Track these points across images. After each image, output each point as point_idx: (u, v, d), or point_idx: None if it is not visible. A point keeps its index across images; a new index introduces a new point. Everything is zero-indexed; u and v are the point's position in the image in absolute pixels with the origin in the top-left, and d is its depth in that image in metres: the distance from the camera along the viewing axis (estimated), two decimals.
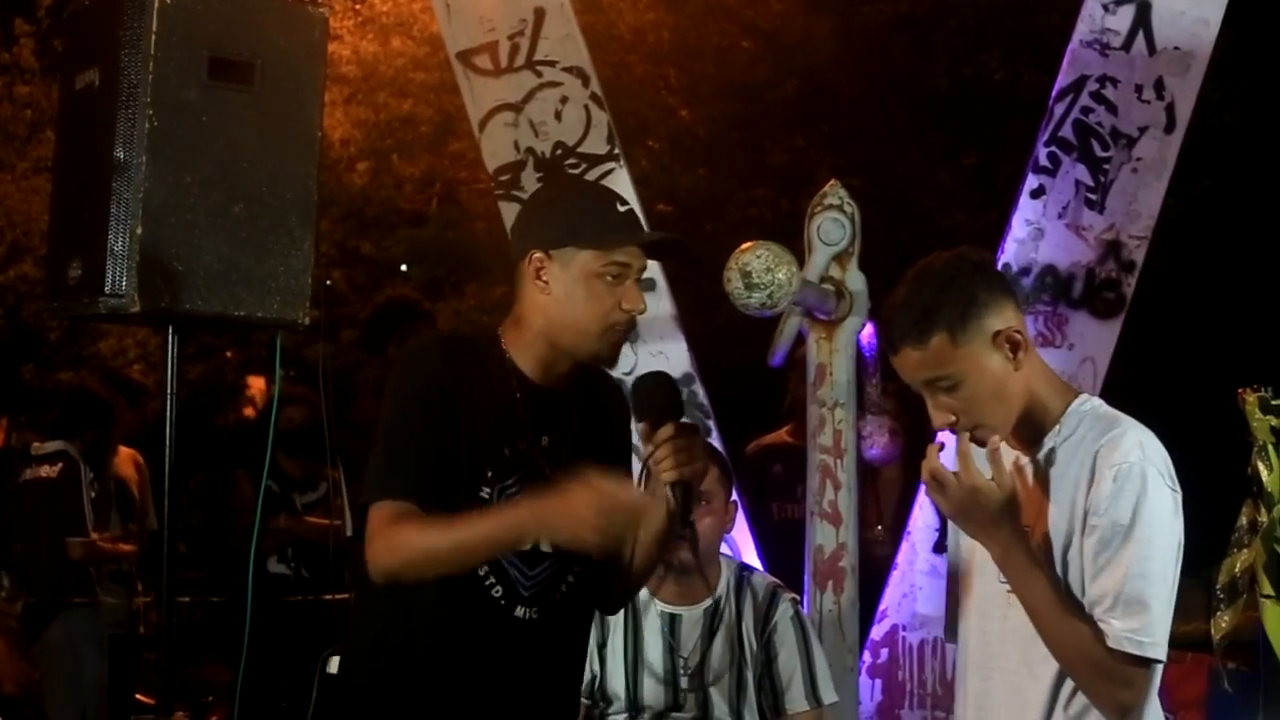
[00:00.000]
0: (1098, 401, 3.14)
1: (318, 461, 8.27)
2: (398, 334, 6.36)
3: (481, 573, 3.23)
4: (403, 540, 3.13)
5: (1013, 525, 3.02)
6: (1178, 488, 3.03)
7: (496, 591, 3.24)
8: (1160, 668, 3.01)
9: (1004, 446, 3.09)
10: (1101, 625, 2.95)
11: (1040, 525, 3.07)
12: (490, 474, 3.23)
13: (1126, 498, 2.96)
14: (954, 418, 3.07)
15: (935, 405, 3.09)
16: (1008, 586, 3.09)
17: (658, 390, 3.34)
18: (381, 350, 6.41)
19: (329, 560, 6.42)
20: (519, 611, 3.27)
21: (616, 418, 3.51)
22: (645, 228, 3.54)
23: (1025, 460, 3.14)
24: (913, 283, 3.08)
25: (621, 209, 3.31)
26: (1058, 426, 3.10)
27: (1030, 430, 3.11)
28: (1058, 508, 3.06)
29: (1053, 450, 3.09)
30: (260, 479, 5.49)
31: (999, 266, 6.02)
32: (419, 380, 3.23)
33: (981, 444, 3.05)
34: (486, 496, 3.22)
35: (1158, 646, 2.96)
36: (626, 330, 3.33)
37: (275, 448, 8.18)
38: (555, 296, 3.26)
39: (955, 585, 3.33)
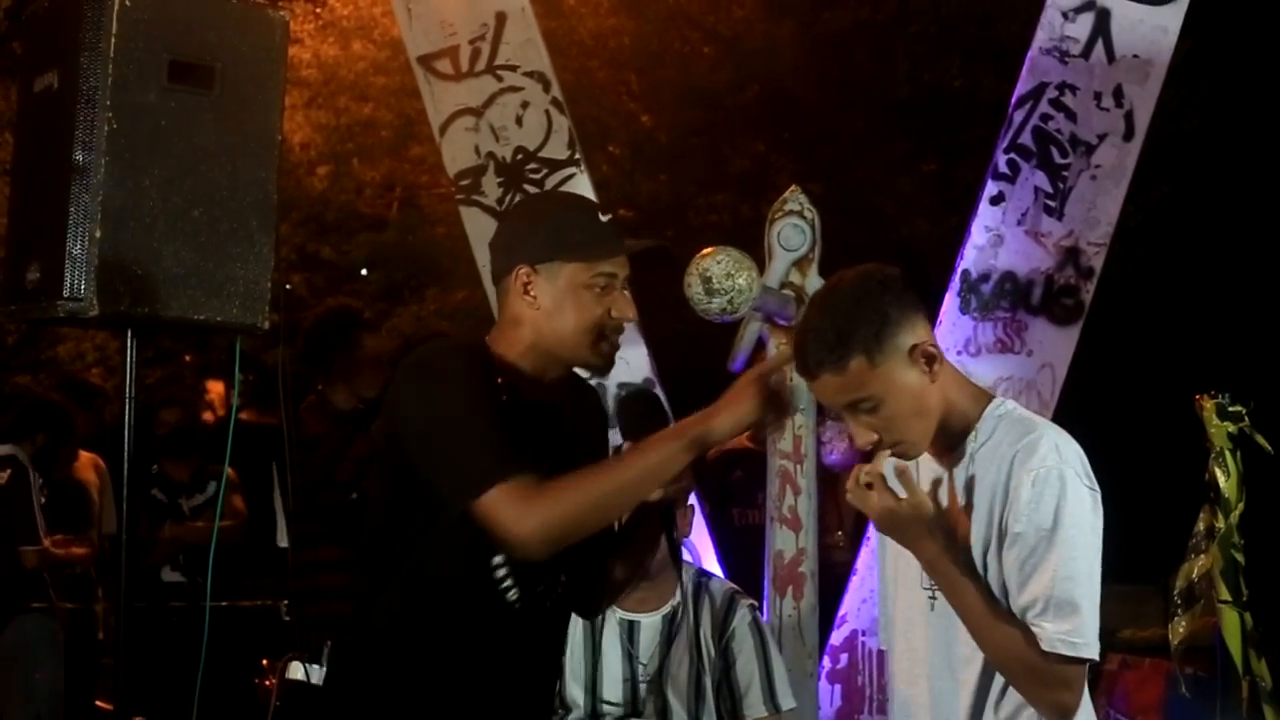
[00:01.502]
0: (1013, 405, 3.16)
1: (202, 460, 8.25)
2: (340, 346, 6.06)
3: (500, 575, 3.23)
4: (558, 498, 3.09)
5: (937, 536, 3.04)
6: (1096, 486, 3.05)
7: (512, 594, 3.26)
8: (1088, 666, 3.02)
9: (925, 459, 3.14)
10: (1035, 630, 2.96)
11: (962, 532, 3.09)
12: None
13: (1047, 502, 2.97)
14: (876, 436, 3.07)
15: (857, 425, 3.10)
16: (930, 592, 3.12)
17: (646, 411, 3.40)
18: (325, 363, 6.17)
19: (237, 564, 6.36)
20: (525, 613, 3.29)
21: (595, 421, 3.53)
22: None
23: (943, 471, 3.16)
24: (823, 306, 3.08)
25: (604, 219, 3.34)
26: (974, 432, 3.11)
27: (949, 438, 3.13)
28: (977, 514, 3.08)
29: (971, 457, 3.11)
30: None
31: (958, 272, 6.06)
32: (460, 375, 3.20)
33: (905, 458, 3.09)
34: None
35: (1090, 646, 2.97)
36: (618, 338, 3.35)
37: (160, 455, 8.17)
38: (544, 310, 3.29)
39: (885, 593, 3.35)
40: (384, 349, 6.37)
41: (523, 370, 3.31)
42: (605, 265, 3.29)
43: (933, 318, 6.02)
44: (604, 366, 3.36)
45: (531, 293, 3.29)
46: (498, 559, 3.22)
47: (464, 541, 3.17)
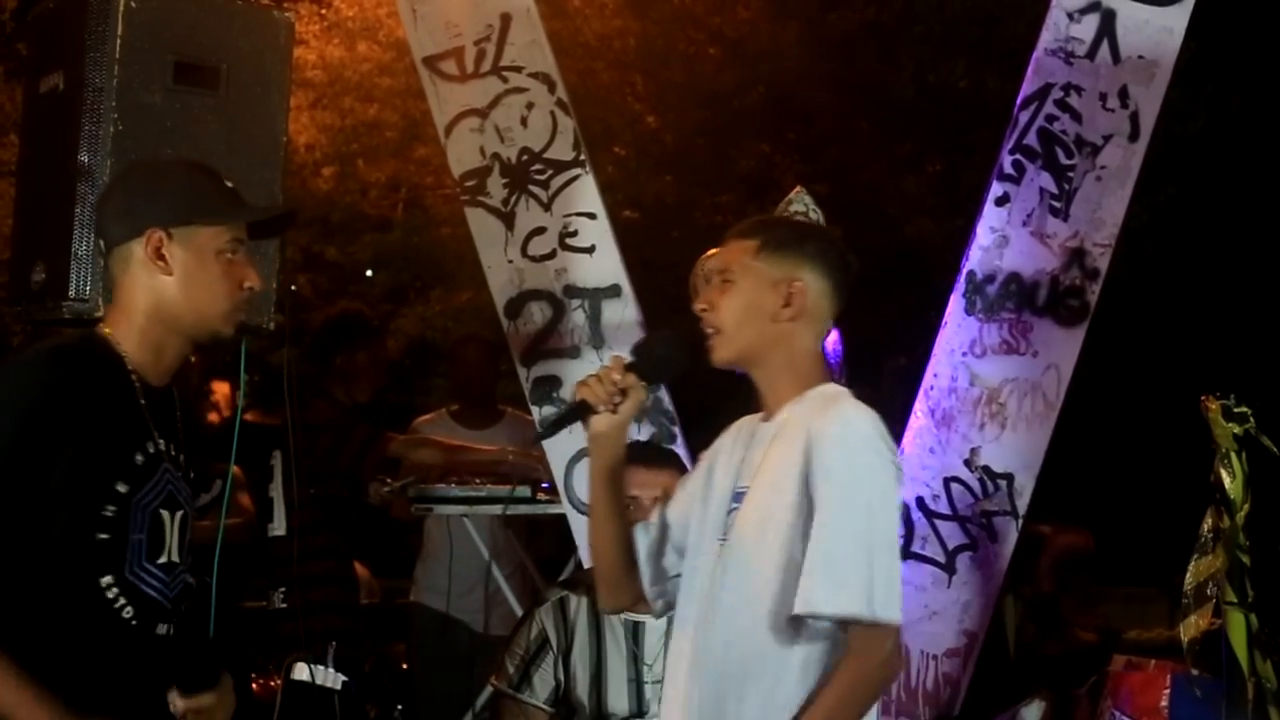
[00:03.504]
0: (836, 388, 3.31)
1: (208, 460, 8.27)
2: (344, 347, 6.45)
3: (110, 595, 3.02)
4: None
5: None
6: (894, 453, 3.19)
7: (127, 612, 3.05)
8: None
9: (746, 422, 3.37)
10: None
11: (760, 490, 3.20)
12: (123, 488, 3.04)
13: (841, 467, 3.10)
14: (707, 307, 3.32)
15: (706, 290, 3.40)
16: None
17: (666, 353, 3.41)
18: (327, 360, 6.42)
19: (242, 563, 6.40)
20: (160, 629, 3.12)
21: (189, 406, 3.40)
22: None
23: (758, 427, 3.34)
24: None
25: (226, 183, 3.26)
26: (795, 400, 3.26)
27: (773, 393, 3.32)
28: (777, 474, 3.18)
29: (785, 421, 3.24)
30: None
31: (963, 273, 6.05)
32: (12, 413, 2.94)
33: (710, 348, 3.34)
34: (111, 515, 3.02)
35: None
36: (246, 307, 3.26)
37: None
38: (178, 277, 3.13)
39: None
40: (382, 356, 6.57)
41: (145, 350, 3.14)
42: (238, 230, 3.20)
43: (938, 319, 6.05)
44: (231, 338, 3.26)
45: (164, 257, 3.12)
46: (106, 579, 3.02)
47: (71, 561, 2.98)
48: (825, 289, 3.30)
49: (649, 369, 3.41)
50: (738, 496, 3.27)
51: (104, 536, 3.01)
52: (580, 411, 3.39)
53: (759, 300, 3.26)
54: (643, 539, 3.51)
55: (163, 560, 3.11)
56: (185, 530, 3.18)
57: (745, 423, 3.41)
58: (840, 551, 3.04)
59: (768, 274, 3.27)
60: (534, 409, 5.89)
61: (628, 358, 3.42)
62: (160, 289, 3.13)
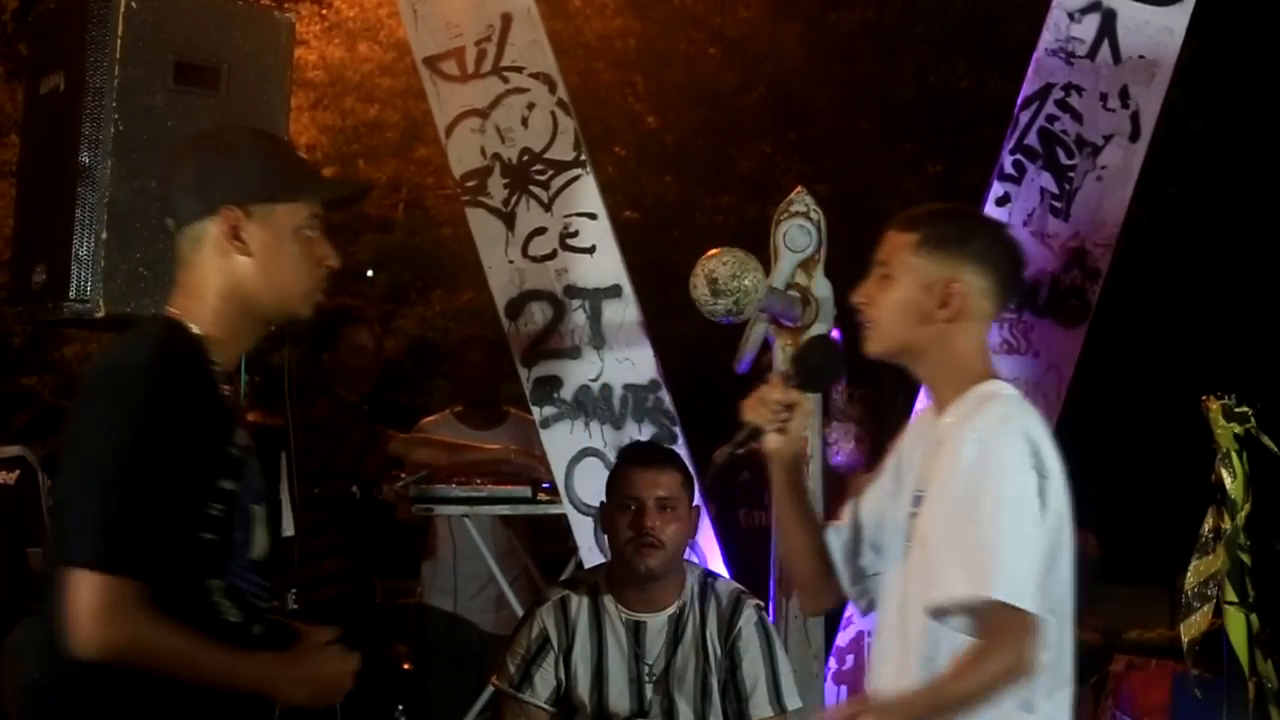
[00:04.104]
0: (999, 386, 3.27)
1: None
2: (324, 345, 6.45)
3: (216, 598, 2.89)
4: (138, 632, 2.71)
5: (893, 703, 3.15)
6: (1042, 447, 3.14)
7: (232, 615, 2.92)
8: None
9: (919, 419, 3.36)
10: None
11: (932, 496, 3.19)
12: (227, 485, 2.90)
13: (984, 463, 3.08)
14: (865, 300, 3.27)
15: (867, 282, 3.30)
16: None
17: (823, 363, 3.41)
18: (317, 361, 6.45)
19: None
20: (256, 630, 2.99)
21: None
22: None
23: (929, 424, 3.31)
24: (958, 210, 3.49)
25: (300, 155, 3.14)
26: (959, 400, 3.24)
27: (940, 392, 3.29)
28: (944, 477, 3.16)
29: (950, 422, 3.22)
30: None
31: None
32: (136, 410, 2.78)
33: (865, 340, 3.28)
34: (218, 513, 2.87)
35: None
36: (324, 286, 3.09)
37: None
38: (256, 258, 2.96)
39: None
40: (361, 341, 6.55)
41: (222, 335, 2.96)
42: (316, 205, 3.02)
43: None
44: (307, 318, 3.08)
45: (242, 236, 2.94)
46: (213, 581, 2.89)
47: (180, 563, 2.83)
48: (987, 288, 3.23)
49: (809, 379, 3.41)
50: (916, 500, 3.26)
51: (210, 537, 2.87)
52: (752, 435, 3.40)
53: (915, 299, 3.20)
54: (835, 541, 3.49)
55: (253, 558, 2.99)
56: (268, 525, 3.05)
57: (924, 418, 3.39)
58: (980, 542, 3.03)
59: (925, 272, 3.20)
60: (534, 409, 5.89)
61: (786, 372, 3.43)
62: (236, 270, 2.95)
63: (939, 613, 3.09)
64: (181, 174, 3.03)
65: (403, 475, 6.18)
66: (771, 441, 3.37)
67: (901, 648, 3.23)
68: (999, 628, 3.00)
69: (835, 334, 5.28)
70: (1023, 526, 3.05)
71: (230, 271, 2.96)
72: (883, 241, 3.28)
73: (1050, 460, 3.12)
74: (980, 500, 3.04)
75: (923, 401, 5.85)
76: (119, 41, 3.99)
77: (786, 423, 3.34)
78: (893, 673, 3.25)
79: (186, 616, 2.80)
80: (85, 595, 2.70)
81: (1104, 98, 6.07)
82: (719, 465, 3.80)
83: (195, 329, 2.94)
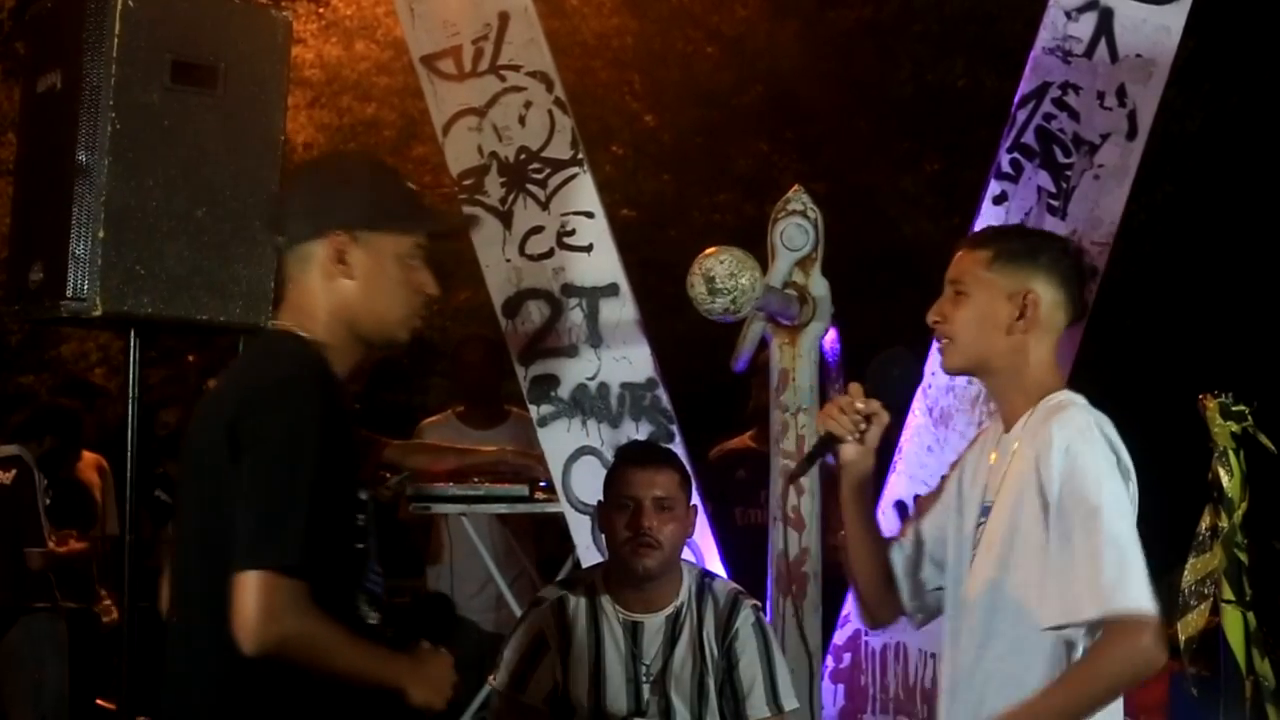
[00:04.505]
0: (1067, 395, 3.30)
1: None
2: None
3: (361, 605, 3.05)
4: (306, 627, 2.83)
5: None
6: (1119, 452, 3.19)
7: (372, 618, 3.09)
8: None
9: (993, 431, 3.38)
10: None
11: (1004, 507, 3.23)
12: (364, 494, 3.06)
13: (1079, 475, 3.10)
14: (939, 319, 3.37)
15: (941, 300, 3.39)
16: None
17: (898, 374, 3.45)
18: None
19: None
20: (389, 631, 3.16)
21: None
22: None
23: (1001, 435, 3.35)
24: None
25: (411, 185, 3.22)
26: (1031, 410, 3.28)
27: (1010, 404, 3.34)
28: (1017, 488, 3.20)
29: (1022, 434, 3.27)
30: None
31: None
32: (312, 422, 2.89)
33: (942, 357, 3.39)
34: (362, 523, 3.03)
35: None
36: (422, 313, 3.21)
37: (163, 455, 8.20)
38: (359, 282, 3.07)
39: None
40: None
41: (342, 354, 3.09)
42: (421, 237, 3.13)
43: None
44: (404, 344, 3.22)
45: (347, 261, 3.06)
46: (358, 588, 3.05)
47: (336, 574, 2.96)
48: (1058, 299, 3.34)
49: (889, 390, 3.45)
50: (985, 511, 3.31)
51: (360, 546, 3.03)
52: (828, 443, 3.44)
53: (992, 312, 3.29)
54: (898, 555, 3.54)
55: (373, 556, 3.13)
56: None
57: (989, 433, 3.44)
58: (1094, 557, 3.05)
59: (1001, 286, 3.30)
60: (532, 408, 5.88)
61: (865, 385, 3.45)
62: (340, 291, 3.07)
63: (1050, 631, 3.13)
64: (295, 195, 3.18)
65: (387, 475, 6.19)
66: (848, 452, 3.42)
67: (965, 660, 3.29)
68: (1123, 633, 3.04)
69: (832, 333, 5.28)
70: (1128, 533, 3.09)
71: (334, 292, 3.07)
72: (953, 262, 3.37)
73: (1129, 463, 3.19)
74: (1083, 513, 3.07)
75: (921, 399, 5.86)
76: (116, 40, 3.99)
77: (865, 433, 3.38)
78: (947, 688, 3.31)
79: (341, 620, 2.93)
80: (266, 595, 2.80)
81: (1101, 96, 6.07)
82: (795, 473, 3.86)
83: (317, 344, 3.05)
